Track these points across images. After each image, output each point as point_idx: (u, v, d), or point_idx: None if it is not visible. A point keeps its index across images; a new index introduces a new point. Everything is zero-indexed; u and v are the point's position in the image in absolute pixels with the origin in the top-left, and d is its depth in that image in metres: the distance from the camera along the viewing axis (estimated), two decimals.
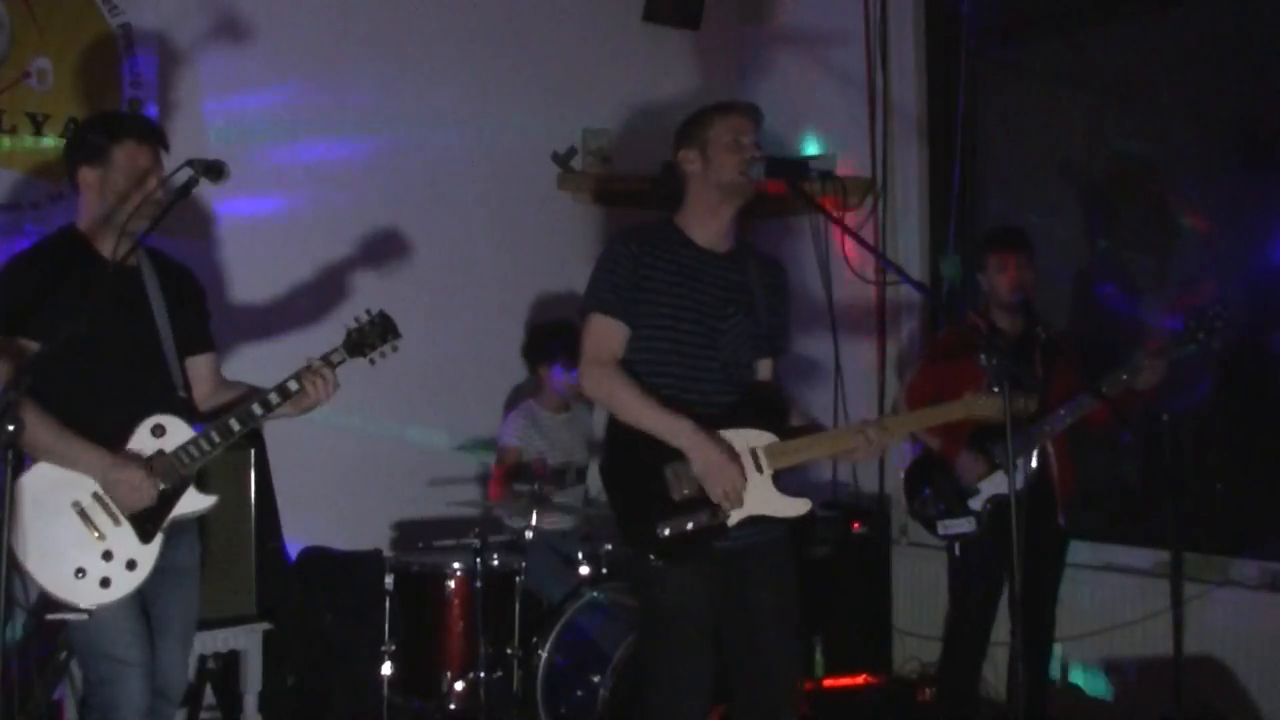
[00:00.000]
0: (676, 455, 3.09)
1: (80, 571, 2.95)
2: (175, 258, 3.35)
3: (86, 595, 2.95)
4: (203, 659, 4.16)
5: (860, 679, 5.04)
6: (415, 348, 3.51)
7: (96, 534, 2.97)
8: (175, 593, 3.18)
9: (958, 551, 4.26)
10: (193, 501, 3.11)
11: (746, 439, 3.14)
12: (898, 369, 5.42)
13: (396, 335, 3.29)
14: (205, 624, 3.71)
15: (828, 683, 4.93)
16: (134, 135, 3.13)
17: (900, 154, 5.54)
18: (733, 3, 6.20)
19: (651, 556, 3.09)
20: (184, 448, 3.07)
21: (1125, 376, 3.91)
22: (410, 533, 5.21)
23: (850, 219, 5.52)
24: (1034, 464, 4.04)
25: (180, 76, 4.75)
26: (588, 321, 3.24)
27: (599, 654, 4.18)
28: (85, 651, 3.05)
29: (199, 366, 3.33)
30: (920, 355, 4.84)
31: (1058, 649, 4.50)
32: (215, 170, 3.03)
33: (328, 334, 3.45)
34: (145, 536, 3.02)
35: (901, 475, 4.51)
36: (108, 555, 2.97)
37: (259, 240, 4.90)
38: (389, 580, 4.40)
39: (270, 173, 4.91)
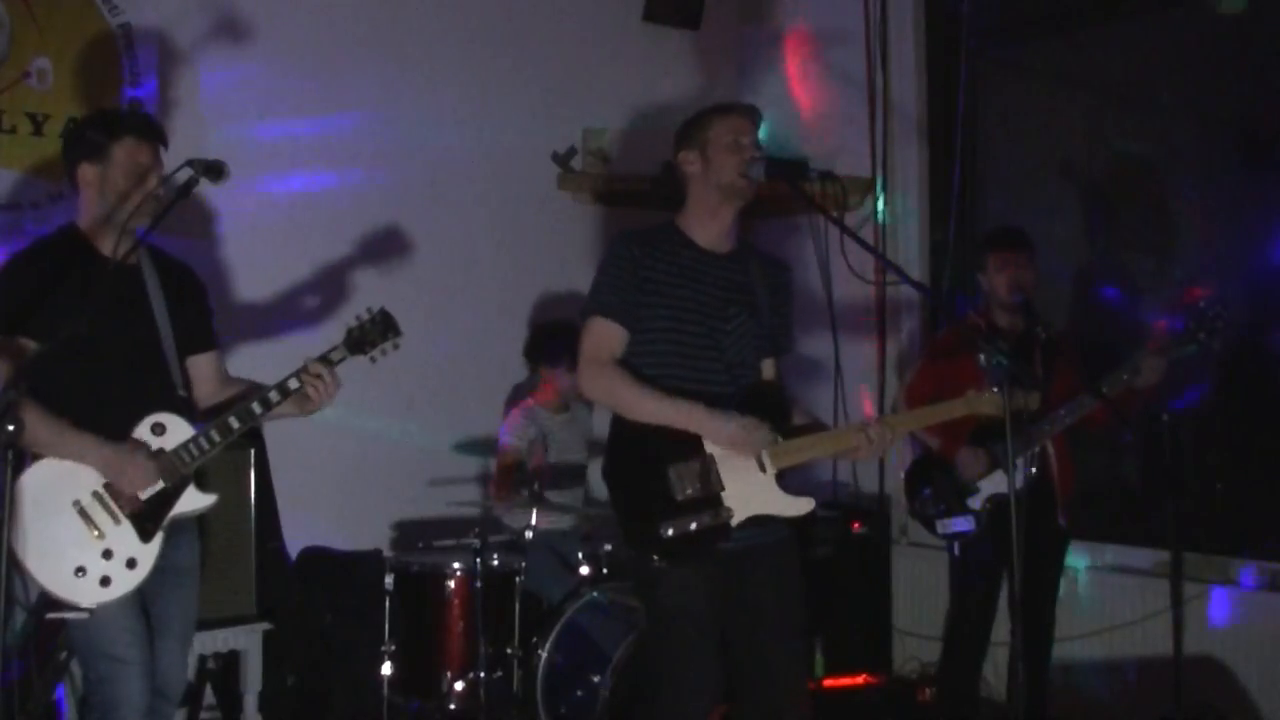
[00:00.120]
0: (679, 455, 3.10)
1: (80, 570, 2.95)
2: (176, 256, 3.35)
3: (87, 594, 2.95)
4: (203, 659, 4.16)
5: (860, 679, 5.04)
6: (415, 348, 3.51)
7: (96, 533, 2.97)
8: (175, 592, 3.18)
9: (957, 551, 4.26)
10: (193, 500, 3.11)
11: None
12: (898, 369, 5.42)
13: (397, 333, 3.29)
14: (205, 624, 3.71)
15: (828, 683, 4.93)
16: (133, 132, 3.13)
17: (900, 154, 5.54)
18: (733, 3, 6.21)
19: (655, 557, 3.09)
20: (184, 446, 3.07)
21: (1125, 376, 3.92)
22: (410, 533, 5.21)
23: (850, 219, 5.52)
24: (1034, 465, 4.04)
25: (180, 76, 4.75)
26: (587, 323, 3.25)
27: (599, 654, 4.18)
28: (85, 650, 3.05)
29: (202, 365, 3.33)
30: (920, 355, 4.84)
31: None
32: (215, 170, 3.03)
33: (328, 333, 3.46)
34: (145, 535, 3.02)
35: (901, 475, 4.51)
36: (108, 554, 2.97)
37: (259, 240, 4.90)
38: (389, 580, 4.40)
39: (270, 173, 4.91)
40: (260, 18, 4.90)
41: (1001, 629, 4.04)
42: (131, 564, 3.00)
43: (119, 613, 3.01)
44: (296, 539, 4.67)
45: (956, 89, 5.29)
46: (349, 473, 5.10)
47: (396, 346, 3.29)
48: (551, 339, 4.98)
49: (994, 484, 4.13)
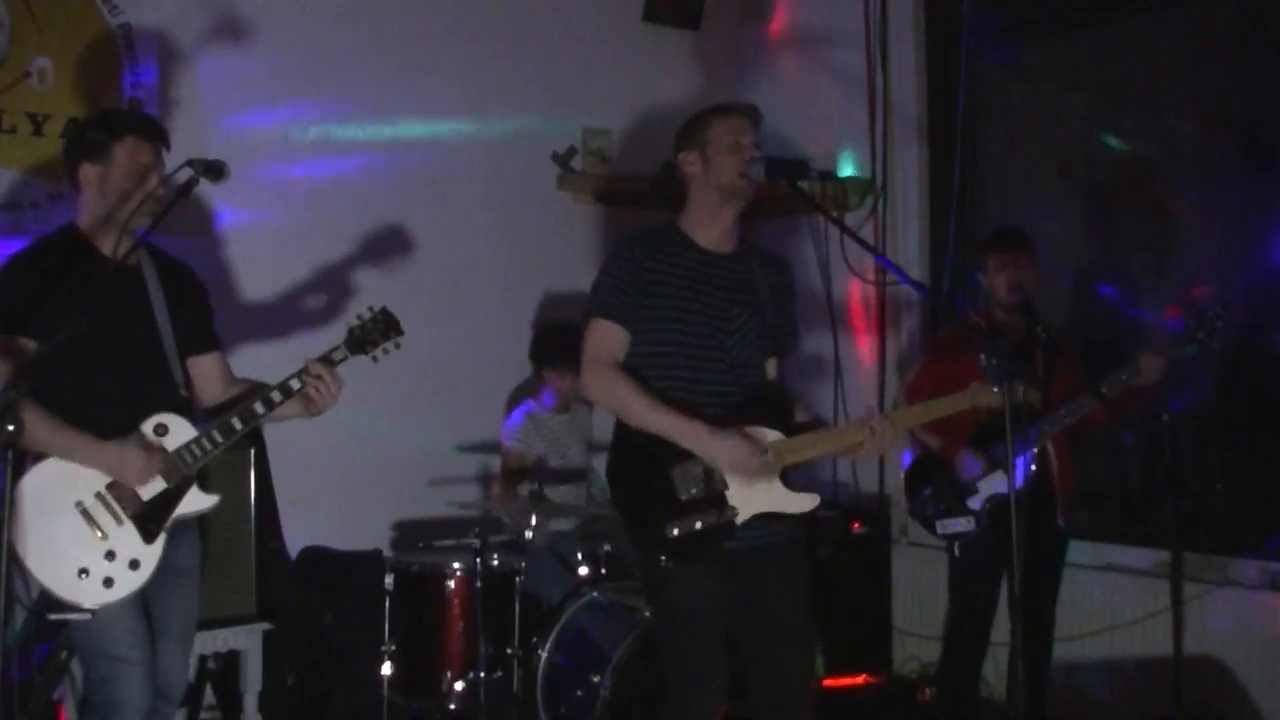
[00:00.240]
0: (682, 456, 3.10)
1: (83, 571, 2.95)
2: (176, 256, 3.35)
3: (90, 595, 2.95)
4: (203, 659, 4.16)
5: (860, 679, 5.04)
6: (416, 347, 3.51)
7: (99, 534, 2.97)
8: (176, 593, 3.18)
9: (957, 551, 4.26)
10: (195, 501, 3.11)
11: (754, 437, 3.14)
12: (898, 369, 5.42)
13: (399, 332, 3.29)
14: (205, 624, 3.71)
15: (828, 683, 4.93)
16: (135, 132, 3.13)
17: (900, 154, 5.54)
18: (733, 3, 6.21)
19: (662, 558, 3.09)
20: (186, 447, 3.07)
21: (1125, 377, 3.92)
22: (410, 533, 5.21)
23: (850, 219, 5.52)
24: (1034, 464, 4.04)
25: (180, 76, 4.75)
26: (589, 325, 3.25)
27: (599, 654, 4.18)
28: (86, 651, 3.05)
29: (206, 366, 3.33)
30: (921, 354, 4.84)
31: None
32: (215, 170, 3.03)
33: (329, 333, 3.46)
34: (148, 536, 3.02)
35: (901, 475, 4.51)
36: (110, 555, 2.97)
37: (260, 240, 4.90)
38: (389, 580, 4.41)
39: (271, 173, 4.91)
40: (260, 18, 4.90)
41: (1001, 629, 4.04)
42: (134, 565, 3.00)
43: (121, 613, 3.00)
44: (296, 539, 4.68)
45: (956, 89, 5.29)
46: (349, 473, 5.10)
47: (398, 346, 3.29)
48: (554, 340, 4.97)
49: (993, 484, 4.13)
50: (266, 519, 4.31)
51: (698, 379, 3.20)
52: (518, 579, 4.45)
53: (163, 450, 3.05)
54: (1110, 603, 4.65)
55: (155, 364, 3.16)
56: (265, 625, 4.23)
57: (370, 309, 3.30)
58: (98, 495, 2.98)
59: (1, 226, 4.36)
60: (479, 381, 5.47)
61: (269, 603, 4.24)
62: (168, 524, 3.06)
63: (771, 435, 3.16)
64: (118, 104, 4.56)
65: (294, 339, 4.76)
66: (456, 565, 4.41)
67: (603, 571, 4.57)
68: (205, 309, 3.37)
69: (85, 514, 2.97)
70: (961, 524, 4.18)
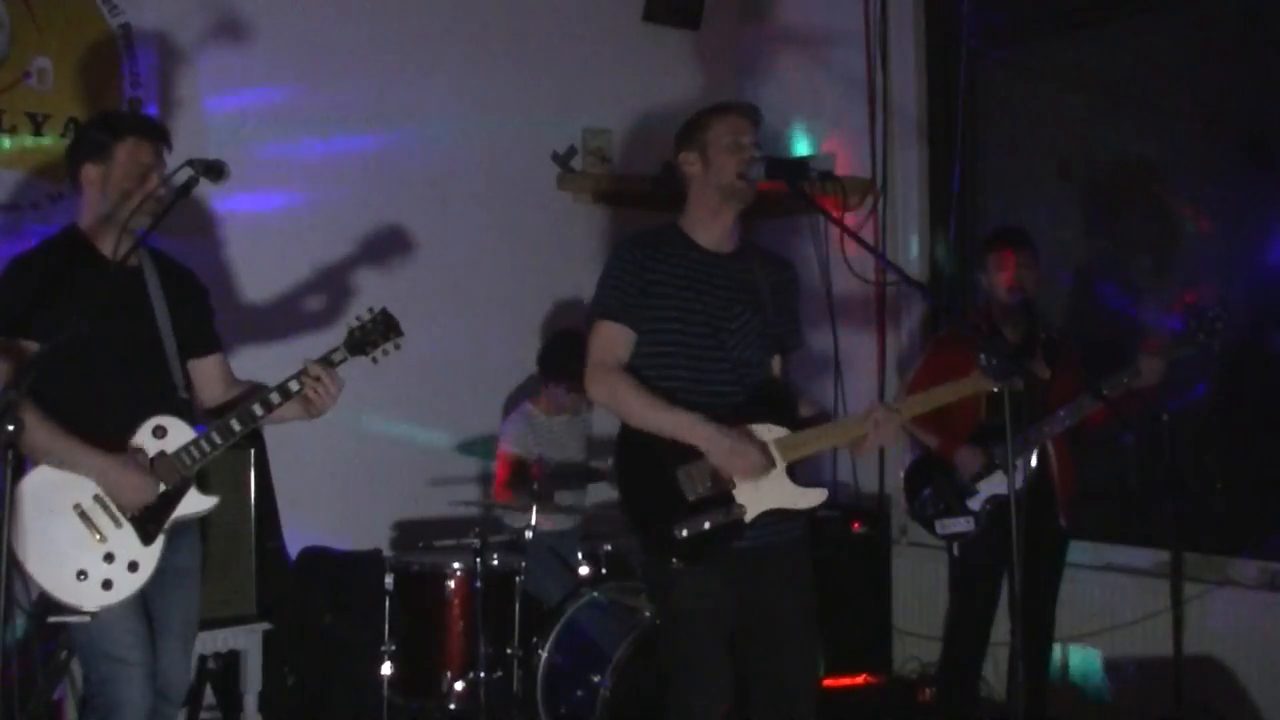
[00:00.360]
0: (688, 457, 3.10)
1: (82, 574, 2.95)
2: (177, 259, 3.35)
3: (89, 597, 2.95)
4: (203, 659, 4.16)
5: (860, 679, 5.04)
6: (415, 347, 3.51)
7: (98, 536, 2.97)
8: (176, 593, 3.18)
9: (956, 551, 4.26)
10: (194, 502, 3.11)
11: (758, 434, 3.14)
12: (898, 369, 5.42)
13: (399, 333, 3.29)
14: (205, 624, 3.71)
15: (828, 683, 4.93)
16: (136, 132, 3.14)
17: (900, 154, 5.54)
18: (733, 3, 6.21)
19: (674, 560, 3.09)
20: (185, 448, 3.07)
21: (1126, 379, 3.92)
22: (410, 533, 5.21)
23: (850, 219, 5.52)
24: (1034, 464, 4.04)
25: (180, 76, 4.75)
26: (593, 327, 3.25)
27: (599, 654, 4.18)
28: (87, 652, 3.05)
29: (207, 367, 3.33)
30: (921, 352, 4.84)
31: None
32: (215, 170, 3.03)
33: (329, 333, 3.46)
34: (147, 538, 3.02)
35: (901, 475, 4.51)
36: (109, 557, 2.97)
37: (260, 240, 4.90)
38: (389, 580, 4.41)
39: (271, 173, 4.91)
40: (260, 18, 4.90)
41: (1001, 629, 4.04)
42: (133, 567, 3.00)
43: (121, 614, 3.00)
44: (296, 539, 4.68)
45: (956, 89, 5.29)
46: (349, 473, 5.10)
47: (398, 347, 3.29)
48: (558, 353, 4.92)
49: (993, 484, 4.13)
50: (266, 519, 4.31)
51: (699, 379, 3.20)
52: (518, 579, 4.45)
53: (162, 452, 3.05)
54: (1110, 603, 4.65)
55: (155, 365, 3.16)
56: (265, 625, 4.23)
57: (370, 310, 3.30)
58: (96, 497, 2.98)
59: (1, 227, 4.36)
60: (479, 381, 5.47)
61: (269, 603, 4.25)
62: (166, 526, 3.06)
63: (776, 432, 3.16)
64: (118, 104, 4.56)
65: (294, 340, 4.75)
66: (456, 565, 4.41)
67: (603, 571, 4.57)
68: (206, 311, 3.37)
69: (84, 516, 2.97)
70: (961, 524, 4.18)
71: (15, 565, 2.82)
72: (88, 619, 2.95)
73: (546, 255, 5.66)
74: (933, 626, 5.11)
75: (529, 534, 4.47)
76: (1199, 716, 4.12)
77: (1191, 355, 3.96)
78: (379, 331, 3.26)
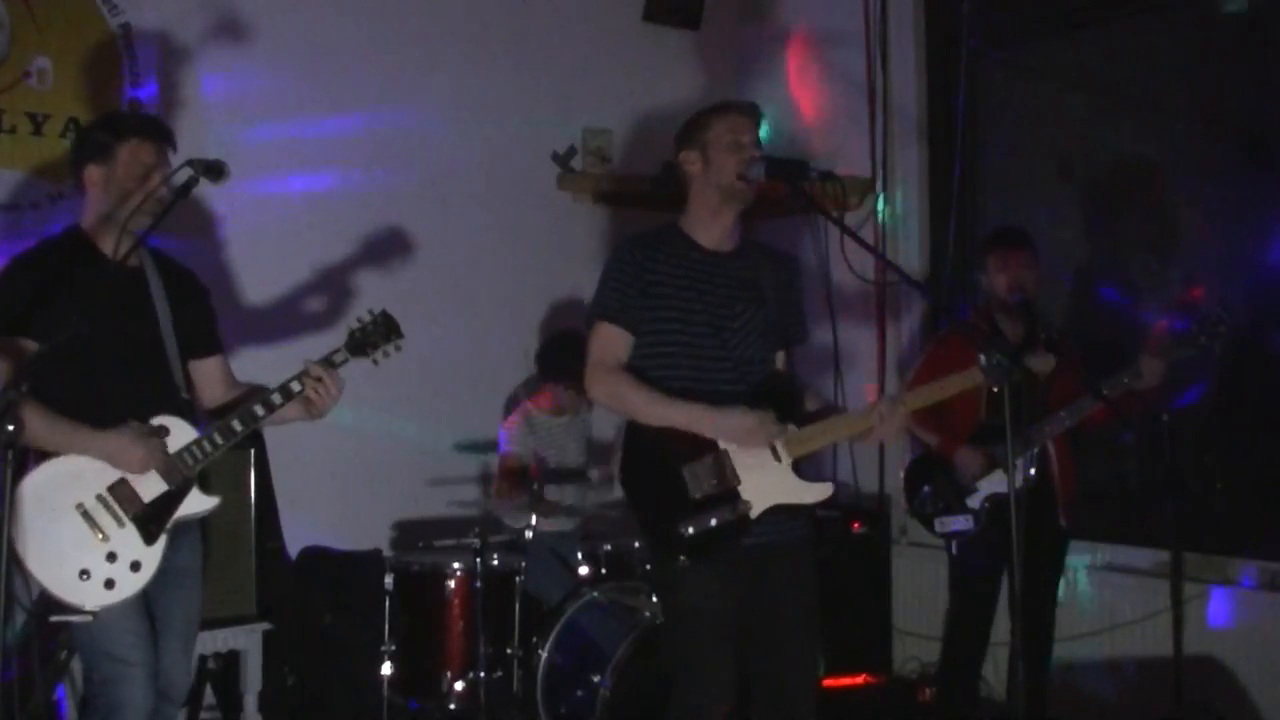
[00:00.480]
0: (692, 455, 3.10)
1: (84, 573, 2.95)
2: (179, 261, 3.35)
3: (91, 597, 2.95)
4: (203, 659, 4.16)
5: (860, 679, 5.04)
6: (415, 348, 3.51)
7: (100, 535, 2.97)
8: (177, 593, 3.18)
9: (954, 550, 4.25)
10: (196, 502, 3.11)
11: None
12: (899, 371, 5.42)
13: (399, 335, 3.29)
14: (205, 624, 3.70)
15: (828, 683, 4.92)
16: (139, 133, 3.14)
17: (900, 154, 5.54)
18: (733, 3, 6.21)
19: (682, 557, 3.08)
20: (187, 449, 3.07)
21: (1126, 379, 3.92)
22: (410, 533, 5.21)
23: (850, 219, 5.52)
24: (1033, 464, 4.04)
25: (180, 77, 4.75)
26: (593, 329, 3.26)
27: (599, 654, 4.18)
28: (88, 652, 3.05)
29: (208, 369, 3.33)
30: (922, 352, 4.84)
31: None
32: (215, 170, 3.04)
33: (329, 334, 3.46)
34: (149, 538, 3.02)
35: (901, 475, 4.51)
36: (112, 556, 2.97)
37: (260, 241, 4.90)
38: (389, 580, 4.41)
39: (271, 173, 4.91)
40: (260, 18, 4.91)
41: (1001, 629, 4.04)
42: (135, 567, 3.00)
43: (123, 614, 3.00)
44: (296, 539, 4.68)
45: (956, 89, 5.29)
46: (349, 473, 5.10)
47: (399, 349, 3.30)
48: (558, 353, 4.93)
49: (993, 483, 4.13)
50: (266, 519, 4.31)
51: (701, 378, 3.20)
52: (518, 579, 4.45)
53: (162, 445, 3.05)
54: (1110, 603, 4.65)
55: (157, 366, 3.16)
56: (265, 625, 4.23)
57: (370, 312, 3.30)
58: (99, 497, 2.98)
59: (1, 227, 4.36)
60: (479, 381, 5.47)
61: (269, 603, 4.25)
62: (168, 525, 3.06)
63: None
64: (117, 104, 4.57)
65: (294, 340, 4.76)
66: (456, 565, 4.41)
67: (603, 571, 4.57)
68: (208, 312, 3.38)
69: (86, 515, 2.97)
70: (960, 523, 4.18)
71: (16, 564, 2.82)
72: (89, 618, 2.95)
73: (546, 255, 5.66)
74: (933, 626, 5.11)
75: (529, 534, 4.47)
76: (1199, 716, 4.12)
77: (1192, 356, 3.96)
78: (380, 333, 3.26)
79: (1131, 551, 4.74)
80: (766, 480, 3.12)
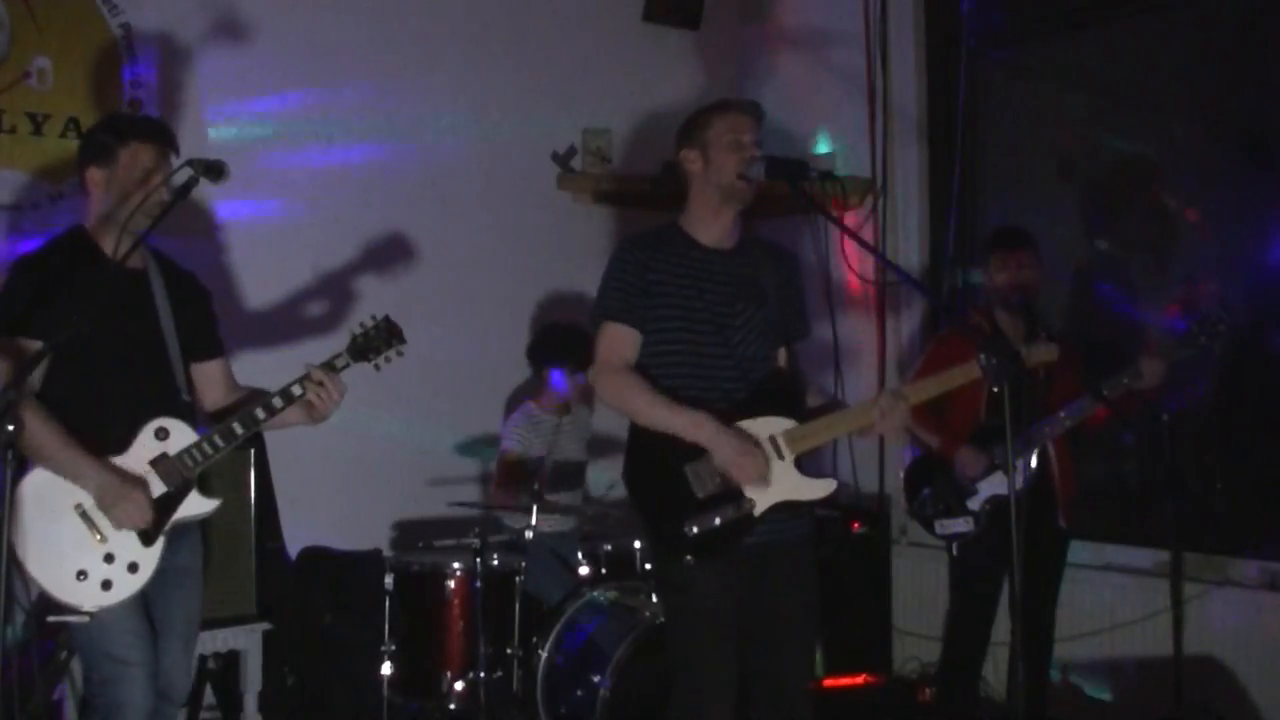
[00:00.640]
0: (695, 455, 3.10)
1: (82, 574, 2.95)
2: (181, 264, 3.36)
3: (88, 597, 2.95)
4: (203, 659, 4.16)
5: (860, 679, 5.04)
6: (416, 348, 3.50)
7: (98, 536, 2.97)
8: (178, 593, 3.18)
9: (955, 552, 4.26)
10: (196, 505, 3.11)
11: (764, 427, 3.15)
12: (899, 370, 5.42)
13: (401, 341, 3.29)
14: (205, 624, 3.70)
15: (828, 683, 4.92)
16: (141, 135, 3.14)
17: (900, 154, 5.54)
18: (733, 3, 6.21)
19: (688, 557, 3.09)
20: (188, 451, 3.07)
21: (1126, 380, 3.92)
22: (410, 533, 5.21)
23: (850, 219, 5.52)
24: (1034, 464, 4.04)
25: (181, 77, 4.75)
26: (599, 330, 3.26)
27: (599, 654, 4.18)
28: (88, 652, 3.05)
29: (209, 372, 3.33)
30: (922, 352, 4.84)
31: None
32: (215, 170, 3.04)
33: (330, 337, 3.46)
34: (147, 539, 3.02)
35: (901, 475, 4.51)
36: (109, 558, 2.97)
37: (260, 242, 4.90)
38: (389, 580, 4.41)
39: (271, 174, 4.92)
40: (261, 19, 4.90)
41: (1001, 629, 4.04)
42: (133, 568, 3.00)
43: (122, 615, 3.00)
44: (296, 539, 4.68)
45: (956, 89, 5.29)
46: (349, 473, 5.10)
47: (400, 354, 3.29)
48: (552, 340, 4.96)
49: (993, 484, 4.13)
50: (266, 519, 4.32)
51: (703, 376, 3.20)
52: (518, 579, 4.45)
53: (164, 456, 3.05)
54: (1110, 603, 4.65)
55: (158, 368, 3.16)
56: (265, 625, 4.24)
57: (373, 317, 3.29)
58: None
59: (1, 227, 4.36)
60: (479, 381, 5.47)
61: (269, 603, 4.25)
62: (167, 528, 3.05)
63: (783, 424, 3.16)
64: (117, 104, 4.57)
65: (294, 342, 4.76)
66: (456, 565, 4.41)
67: (603, 571, 4.58)
68: (209, 315, 3.38)
69: (85, 516, 2.96)
70: (960, 524, 4.18)
71: (15, 564, 2.82)
72: (86, 619, 2.95)
73: (546, 255, 5.66)
74: (933, 626, 5.11)
75: (529, 534, 4.47)
76: (1199, 716, 4.11)
77: (1192, 356, 3.96)
78: (382, 338, 3.26)
79: (1131, 551, 4.74)
80: (769, 477, 3.12)
